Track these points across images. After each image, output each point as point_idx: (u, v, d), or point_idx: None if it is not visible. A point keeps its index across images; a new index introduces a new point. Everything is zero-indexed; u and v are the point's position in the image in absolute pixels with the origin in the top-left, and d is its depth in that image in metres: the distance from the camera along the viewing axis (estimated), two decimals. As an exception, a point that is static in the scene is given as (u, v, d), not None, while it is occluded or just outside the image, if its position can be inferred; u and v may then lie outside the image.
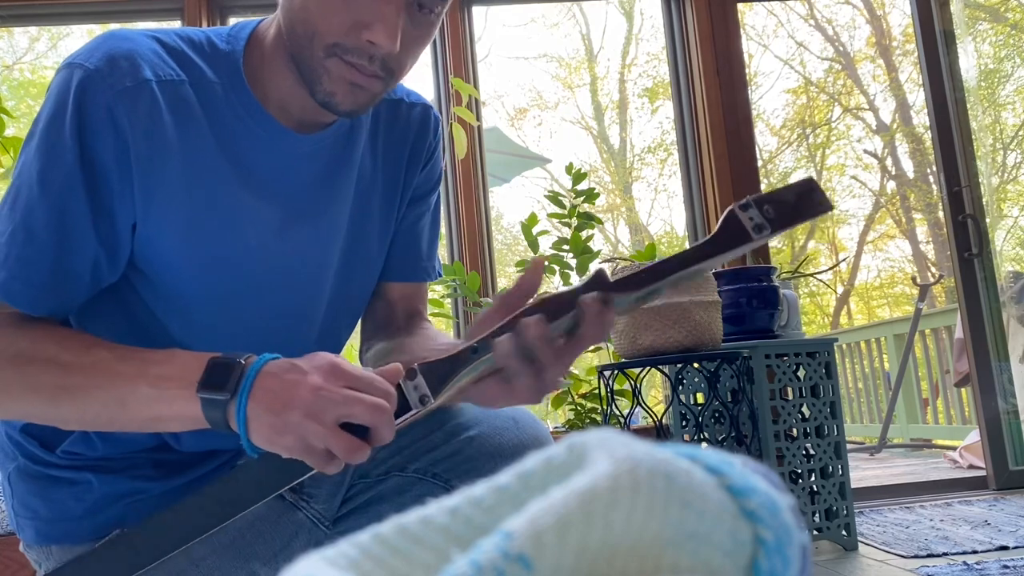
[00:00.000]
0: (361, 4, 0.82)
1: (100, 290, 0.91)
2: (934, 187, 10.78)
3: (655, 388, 6.14)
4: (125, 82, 0.83)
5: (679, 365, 2.30)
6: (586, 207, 2.65)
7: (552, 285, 2.74)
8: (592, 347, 0.79)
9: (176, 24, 3.09)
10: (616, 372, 2.17)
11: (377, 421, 0.73)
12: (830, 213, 0.73)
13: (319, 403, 0.73)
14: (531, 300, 0.75)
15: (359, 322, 1.10)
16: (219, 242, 0.90)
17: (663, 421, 2.24)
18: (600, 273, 0.72)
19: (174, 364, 0.80)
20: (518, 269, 2.79)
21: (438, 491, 0.97)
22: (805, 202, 0.69)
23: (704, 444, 2.34)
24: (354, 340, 1.17)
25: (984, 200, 3.20)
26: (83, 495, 0.93)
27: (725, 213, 0.70)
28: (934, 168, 3.58)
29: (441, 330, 1.08)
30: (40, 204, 0.83)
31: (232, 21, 3.18)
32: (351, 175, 0.99)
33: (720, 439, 2.35)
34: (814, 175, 13.01)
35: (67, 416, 0.83)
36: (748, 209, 0.68)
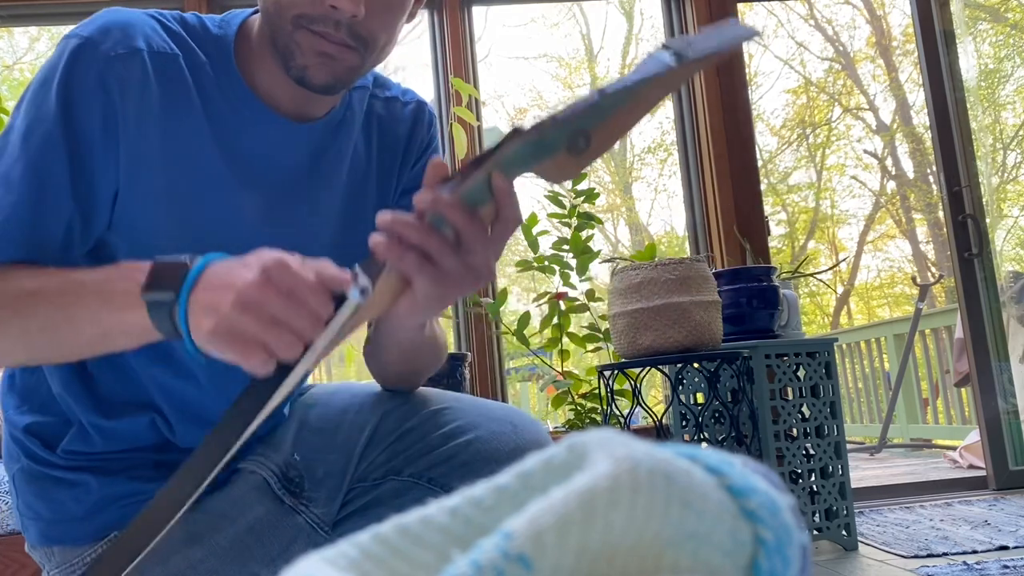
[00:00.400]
0: None
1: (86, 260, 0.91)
2: (934, 187, 10.78)
3: (655, 388, 6.14)
4: (117, 49, 0.85)
5: (679, 365, 2.29)
6: (586, 207, 2.65)
7: (552, 285, 2.74)
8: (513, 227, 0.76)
9: (176, 24, 3.08)
10: (616, 372, 2.17)
11: (311, 334, 0.71)
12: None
13: (258, 300, 0.69)
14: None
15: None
16: (201, 218, 0.90)
17: (663, 421, 2.24)
18: (515, 128, 0.70)
19: (119, 270, 0.78)
20: (518, 269, 2.79)
21: (434, 496, 0.96)
22: (727, 32, 0.71)
23: (704, 444, 2.34)
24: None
25: (984, 200, 3.20)
26: (83, 496, 0.93)
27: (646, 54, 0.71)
28: (934, 168, 3.58)
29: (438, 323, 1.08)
30: (20, 159, 0.83)
31: (232, 21, 3.18)
32: (341, 167, 0.99)
33: (720, 439, 2.35)
34: (814, 175, 13.03)
35: (10, 340, 0.81)
36: (669, 48, 0.70)
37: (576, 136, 0.71)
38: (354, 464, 1.01)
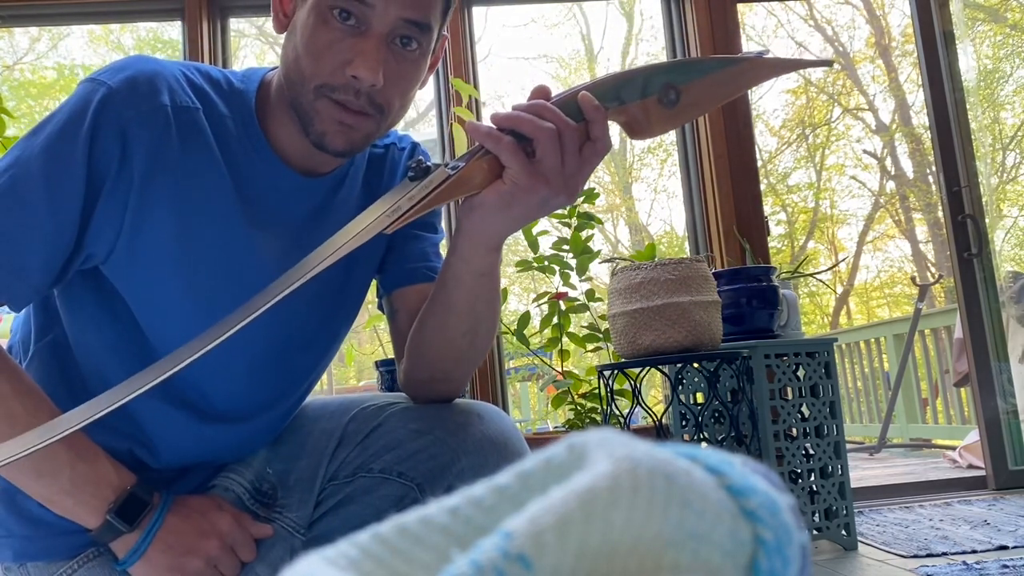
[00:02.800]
0: (344, 45, 0.88)
1: (96, 299, 0.93)
2: (934, 187, 10.78)
3: (655, 388, 6.14)
4: (141, 106, 0.88)
5: (679, 365, 2.29)
6: (586, 207, 2.65)
7: (552, 285, 2.74)
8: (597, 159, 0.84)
9: (176, 24, 3.09)
10: (616, 372, 2.17)
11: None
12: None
13: (224, 558, 0.91)
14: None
15: (391, 337, 1.12)
16: (213, 258, 0.92)
17: (663, 421, 2.24)
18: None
19: (97, 470, 0.88)
20: (518, 269, 2.79)
21: (404, 490, 0.98)
22: (803, 60, 0.83)
23: (704, 444, 2.34)
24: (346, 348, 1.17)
25: (984, 200, 3.20)
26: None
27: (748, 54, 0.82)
28: (934, 168, 3.58)
29: None
30: (41, 199, 0.85)
31: (232, 21, 3.18)
32: (343, 217, 1.02)
33: (720, 439, 2.35)
34: (814, 175, 13.02)
35: None
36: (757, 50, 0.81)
37: (667, 88, 0.79)
38: (325, 465, 1.04)
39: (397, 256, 1.08)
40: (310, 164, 0.98)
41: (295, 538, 1.01)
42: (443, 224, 1.28)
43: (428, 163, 0.79)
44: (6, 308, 0.91)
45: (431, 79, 3.13)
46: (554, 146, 0.79)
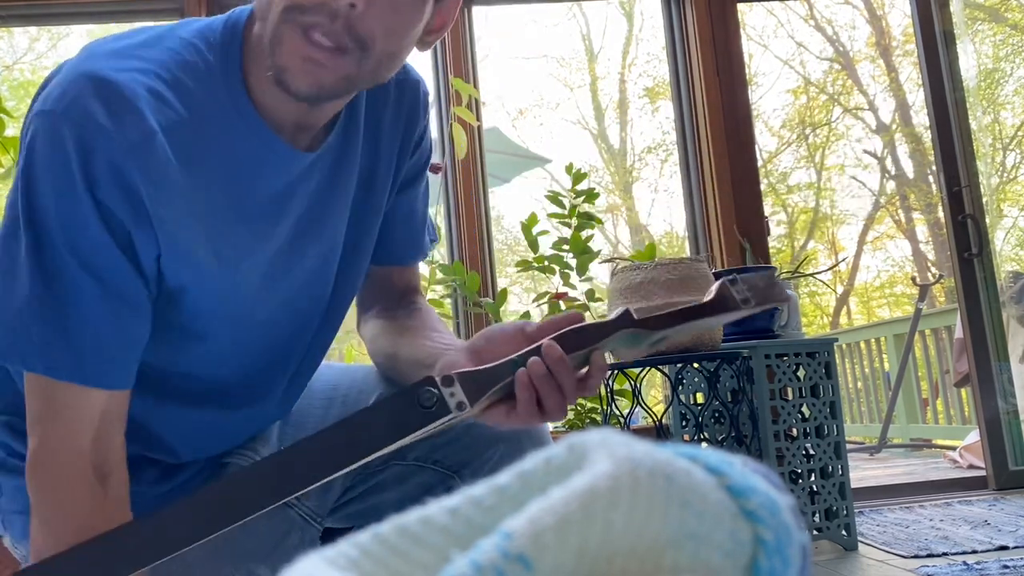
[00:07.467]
0: None
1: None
2: (934, 187, 10.78)
3: (655, 388, 6.14)
4: (132, 137, 0.75)
5: (679, 365, 2.29)
6: (586, 207, 2.65)
7: (552, 285, 2.74)
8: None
9: (176, 24, 3.07)
10: (616, 372, 2.17)
11: None
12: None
13: None
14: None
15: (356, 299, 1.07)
16: (245, 262, 0.88)
17: (663, 421, 2.24)
18: (626, 313, 0.84)
19: None
20: (518, 269, 2.80)
21: (440, 478, 0.98)
22: (773, 290, 0.86)
23: (704, 444, 2.34)
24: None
25: (984, 200, 3.20)
26: None
27: (718, 285, 0.84)
28: (934, 168, 3.58)
29: (432, 309, 1.07)
30: (87, 284, 0.77)
31: (232, 21, 3.17)
32: (349, 185, 0.96)
33: (720, 439, 2.35)
34: (814, 175, 13.02)
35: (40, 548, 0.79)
36: (735, 284, 0.84)
37: (662, 339, 0.87)
38: None
39: (386, 231, 1.02)
40: (302, 120, 0.85)
41: (311, 527, 0.98)
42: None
43: (445, 396, 0.75)
44: None
45: (431, 74, 3.13)
46: (561, 403, 0.80)
